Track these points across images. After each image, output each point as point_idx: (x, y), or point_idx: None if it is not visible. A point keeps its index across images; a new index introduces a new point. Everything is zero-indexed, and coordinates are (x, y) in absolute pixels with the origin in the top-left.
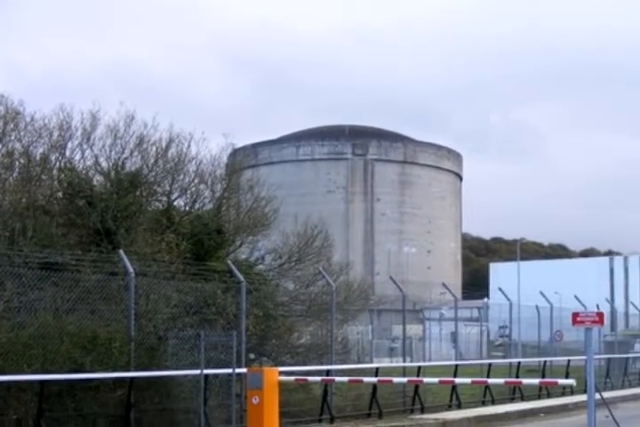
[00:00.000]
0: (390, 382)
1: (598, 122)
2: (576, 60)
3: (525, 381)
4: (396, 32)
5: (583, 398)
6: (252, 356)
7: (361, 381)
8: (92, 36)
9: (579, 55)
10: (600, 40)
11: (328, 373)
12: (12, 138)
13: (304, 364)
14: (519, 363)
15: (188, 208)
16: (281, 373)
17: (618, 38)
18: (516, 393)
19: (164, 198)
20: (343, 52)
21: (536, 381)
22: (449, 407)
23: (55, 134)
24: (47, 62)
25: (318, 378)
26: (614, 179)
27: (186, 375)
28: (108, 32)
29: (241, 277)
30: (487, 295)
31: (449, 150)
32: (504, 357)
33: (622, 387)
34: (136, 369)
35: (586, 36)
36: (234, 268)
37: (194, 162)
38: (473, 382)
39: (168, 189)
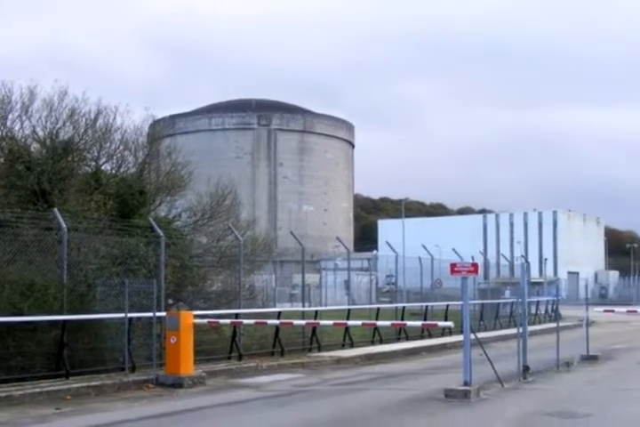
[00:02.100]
0: (291, 324)
1: (472, 95)
2: (449, 41)
3: (409, 323)
4: (296, 19)
5: (460, 338)
6: (170, 301)
7: (265, 323)
8: (28, 18)
9: (452, 37)
10: (469, 23)
11: (237, 316)
12: None
13: (216, 308)
14: (404, 307)
15: (114, 172)
16: (195, 316)
17: (484, 21)
18: (401, 334)
19: (93, 163)
20: (251, 36)
21: (419, 323)
22: (342, 346)
23: None
24: None
25: (228, 321)
26: (487, 145)
27: (112, 318)
28: (43, 15)
29: (160, 232)
30: (376, 248)
31: (343, 121)
32: (391, 302)
33: (494, 329)
34: (68, 313)
35: (457, 20)
36: (154, 224)
37: (119, 131)
38: (363, 325)
39: (96, 155)
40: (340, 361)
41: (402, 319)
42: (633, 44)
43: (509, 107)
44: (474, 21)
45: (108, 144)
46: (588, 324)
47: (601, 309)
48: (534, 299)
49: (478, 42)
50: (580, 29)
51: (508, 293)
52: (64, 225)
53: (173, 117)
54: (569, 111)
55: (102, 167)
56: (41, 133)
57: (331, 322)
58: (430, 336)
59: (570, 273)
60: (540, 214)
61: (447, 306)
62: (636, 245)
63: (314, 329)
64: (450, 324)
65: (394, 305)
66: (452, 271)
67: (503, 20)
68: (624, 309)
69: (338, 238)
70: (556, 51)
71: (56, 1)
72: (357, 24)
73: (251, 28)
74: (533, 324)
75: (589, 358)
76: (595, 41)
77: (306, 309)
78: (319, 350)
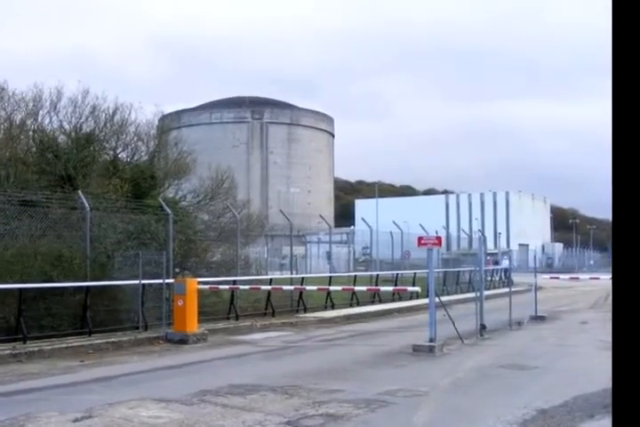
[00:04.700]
0: (281, 289)
1: (434, 91)
2: (414, 44)
3: (382, 288)
4: (282, 27)
5: (426, 301)
6: (177, 270)
7: (259, 288)
8: (54, 28)
9: (416, 40)
10: (430, 27)
11: (234, 282)
12: None
13: (216, 276)
14: (377, 275)
15: (129, 159)
16: (199, 282)
17: (445, 27)
18: (375, 298)
19: (111, 152)
20: (242, 41)
21: (390, 288)
22: (325, 308)
23: (30, 105)
24: (21, 47)
25: (227, 286)
26: (448, 134)
27: (128, 284)
28: (64, 24)
29: (169, 210)
30: (353, 224)
31: (324, 115)
32: (366, 270)
33: (455, 293)
34: (91, 280)
35: (424, 27)
36: (163, 204)
37: (133, 125)
38: (343, 289)
39: (114, 145)
40: (322, 321)
41: (376, 285)
42: (572, 49)
43: (466, 100)
44: (433, 25)
45: (124, 136)
46: (537, 289)
47: (548, 276)
48: (490, 267)
49: (437, 44)
50: (523, 34)
51: (506, 262)
52: (87, 205)
53: (179, 112)
54: (517, 105)
55: (119, 155)
56: (67, 127)
57: (315, 287)
58: (400, 300)
59: (520, 245)
60: (494, 195)
61: (415, 274)
62: (577, 221)
63: (300, 293)
64: (417, 289)
65: (369, 273)
66: (419, 244)
67: (459, 24)
68: (567, 276)
69: (321, 216)
70: (503, 52)
71: (74, 12)
72: (333, 30)
73: (241, 35)
74: (489, 289)
75: (538, 319)
76: (536, 44)
77: (293, 276)
78: (305, 311)
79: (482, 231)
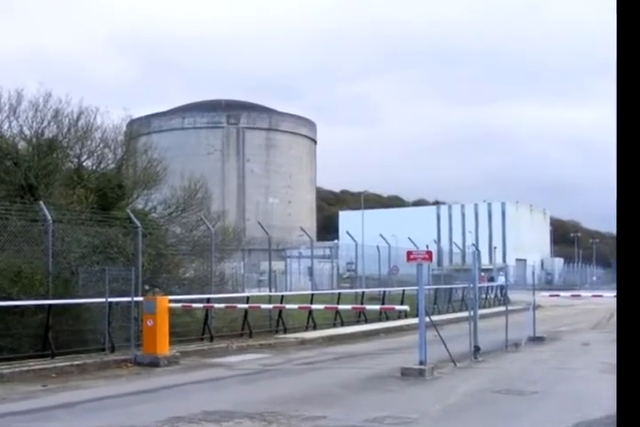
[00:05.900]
0: (259, 308)
1: (425, 94)
2: (406, 45)
3: (368, 307)
4: (261, 26)
5: (415, 320)
6: (146, 287)
7: (235, 307)
8: (10, 28)
9: (409, 40)
10: (421, 27)
11: (208, 300)
12: None
13: (189, 293)
14: (363, 292)
15: (94, 168)
16: (170, 300)
17: (443, 28)
18: (361, 317)
19: (76, 160)
20: (220, 42)
21: (377, 307)
22: (306, 329)
23: None
24: None
25: (200, 305)
26: (440, 141)
27: (93, 303)
28: (24, 21)
29: (138, 223)
30: (337, 237)
31: (305, 119)
32: (351, 287)
33: (447, 312)
34: (53, 297)
35: (415, 26)
36: (132, 216)
37: (99, 130)
38: (326, 308)
39: (79, 152)
40: (304, 342)
41: (361, 303)
42: (575, 48)
43: (460, 104)
44: (424, 25)
45: (89, 142)
46: (535, 307)
47: (547, 293)
48: (484, 284)
49: (429, 44)
50: (522, 32)
51: (502, 278)
52: (49, 217)
53: (149, 117)
54: (515, 109)
55: (84, 163)
56: (27, 132)
57: (295, 306)
58: (388, 319)
59: (518, 260)
60: (489, 205)
61: (403, 291)
62: (579, 235)
63: (280, 312)
64: (406, 307)
65: (354, 290)
66: (408, 259)
67: (452, 22)
68: (568, 293)
69: (302, 228)
70: (501, 52)
71: (36, 8)
72: (317, 29)
73: (216, 35)
74: (484, 307)
75: (536, 340)
76: (536, 43)
77: (272, 293)
78: (285, 331)
79: (476, 245)
